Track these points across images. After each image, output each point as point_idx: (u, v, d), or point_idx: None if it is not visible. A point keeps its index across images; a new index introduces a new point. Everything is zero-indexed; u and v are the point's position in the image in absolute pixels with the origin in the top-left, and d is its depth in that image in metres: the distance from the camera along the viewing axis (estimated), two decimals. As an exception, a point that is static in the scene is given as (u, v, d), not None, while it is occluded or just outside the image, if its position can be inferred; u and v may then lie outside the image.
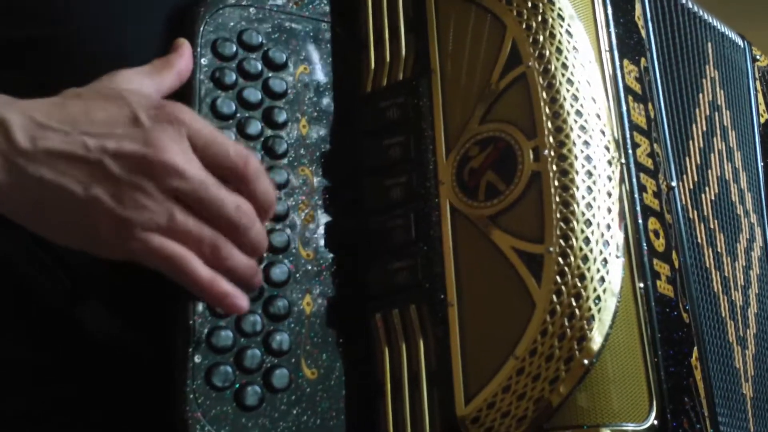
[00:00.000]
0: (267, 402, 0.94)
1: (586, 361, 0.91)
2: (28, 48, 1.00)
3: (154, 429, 0.95)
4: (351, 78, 1.08)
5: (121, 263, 0.92)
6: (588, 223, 0.94)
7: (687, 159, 1.20)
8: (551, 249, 0.93)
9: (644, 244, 0.98)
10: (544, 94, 0.98)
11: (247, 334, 0.95)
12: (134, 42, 1.02)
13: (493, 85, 1.00)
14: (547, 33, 1.00)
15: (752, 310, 1.28)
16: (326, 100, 1.08)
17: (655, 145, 1.06)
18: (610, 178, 0.97)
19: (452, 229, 0.98)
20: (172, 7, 1.04)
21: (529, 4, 1.01)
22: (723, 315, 1.18)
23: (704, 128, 1.28)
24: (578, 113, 0.98)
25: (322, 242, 1.03)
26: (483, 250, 0.96)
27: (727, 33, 1.41)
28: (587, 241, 0.94)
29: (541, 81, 0.98)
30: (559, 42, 1.00)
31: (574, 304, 0.92)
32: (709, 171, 1.26)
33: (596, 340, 0.91)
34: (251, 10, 1.05)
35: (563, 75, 0.99)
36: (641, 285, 0.96)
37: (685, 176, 1.18)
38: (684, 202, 1.15)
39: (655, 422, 0.92)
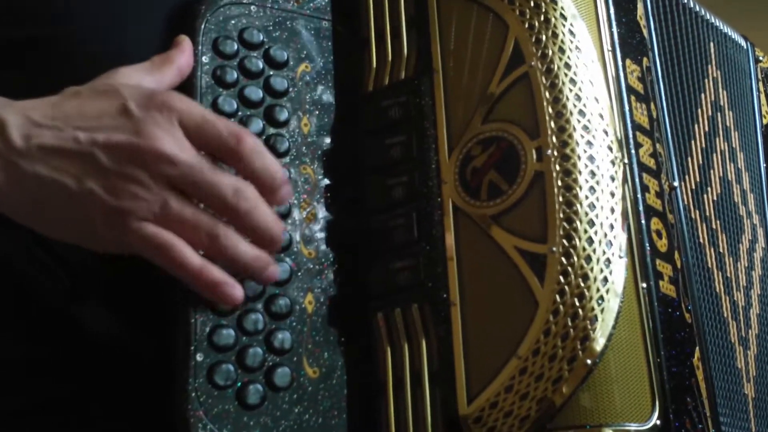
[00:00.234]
0: (269, 401, 0.94)
1: (589, 361, 0.91)
2: (28, 48, 1.00)
3: (154, 428, 0.95)
4: (353, 76, 1.08)
5: (120, 261, 0.92)
6: (591, 223, 0.94)
7: (689, 159, 1.20)
8: (554, 249, 0.93)
9: (647, 245, 0.98)
10: (547, 94, 0.98)
11: (249, 332, 0.95)
12: (134, 42, 1.02)
13: (496, 85, 1.00)
14: (550, 32, 1.00)
15: (754, 310, 1.28)
16: (328, 99, 1.08)
17: (657, 145, 1.06)
18: (612, 178, 0.97)
19: (455, 229, 0.98)
20: (173, 7, 1.04)
21: (532, 4, 1.01)
22: (725, 315, 1.18)
23: (706, 128, 1.28)
24: (581, 113, 0.98)
25: (324, 241, 1.02)
26: (485, 249, 0.96)
27: (730, 34, 1.41)
28: (590, 241, 0.93)
29: (543, 81, 0.98)
30: (562, 41, 1.00)
31: (577, 304, 0.92)
32: (712, 171, 1.26)
33: (599, 340, 0.91)
34: (252, 7, 1.05)
35: (566, 75, 0.99)
36: (644, 285, 0.95)
37: (687, 176, 1.18)
38: (686, 202, 1.15)
39: (658, 422, 0.92)
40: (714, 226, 1.22)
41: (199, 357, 0.92)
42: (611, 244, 0.94)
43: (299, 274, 1.00)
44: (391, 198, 1.02)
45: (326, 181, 1.05)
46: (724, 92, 1.35)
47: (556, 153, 0.96)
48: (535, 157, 0.97)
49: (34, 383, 1.03)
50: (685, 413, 0.95)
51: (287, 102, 1.04)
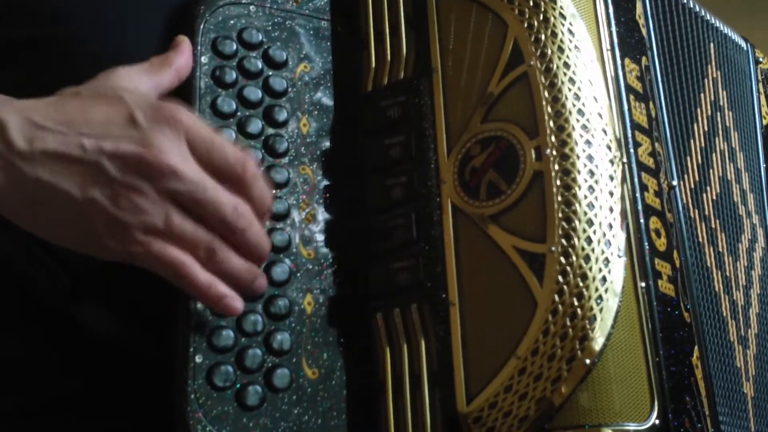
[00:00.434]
0: (268, 402, 0.94)
1: (587, 361, 0.90)
2: (28, 48, 1.00)
3: (154, 428, 0.95)
4: (352, 76, 1.08)
5: (119, 262, 0.92)
6: (590, 222, 0.94)
7: (688, 158, 1.20)
8: (553, 248, 0.93)
9: (646, 244, 0.98)
10: (546, 94, 0.98)
11: (248, 333, 0.95)
12: (134, 42, 1.02)
13: (495, 84, 1.00)
14: (549, 32, 1.00)
15: (754, 310, 1.28)
16: (327, 99, 1.08)
17: (656, 144, 1.06)
18: (611, 178, 0.97)
19: (454, 229, 0.98)
20: (172, 7, 1.04)
21: (531, 3, 1.01)
22: (724, 314, 1.18)
23: (706, 128, 1.28)
24: (580, 112, 0.98)
25: (323, 241, 1.02)
26: (485, 249, 0.96)
27: (730, 34, 1.41)
28: (589, 240, 0.93)
29: (542, 80, 0.98)
30: (561, 41, 1.00)
31: (576, 303, 0.92)
32: (711, 170, 1.26)
33: (598, 339, 0.91)
34: (251, 8, 1.05)
35: (565, 74, 0.98)
36: (643, 284, 0.95)
37: (686, 175, 1.18)
38: (685, 201, 1.15)
39: (657, 422, 0.92)
40: (713, 226, 1.22)
41: (198, 358, 0.92)
42: (610, 244, 0.94)
43: (298, 274, 1.00)
44: (390, 198, 1.02)
45: (325, 182, 1.05)
46: (724, 92, 1.35)
47: (555, 152, 0.96)
48: (534, 156, 0.96)
49: (34, 383, 1.03)
50: (684, 412, 0.95)
51: (286, 102, 1.04)
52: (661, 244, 1.00)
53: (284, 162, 1.02)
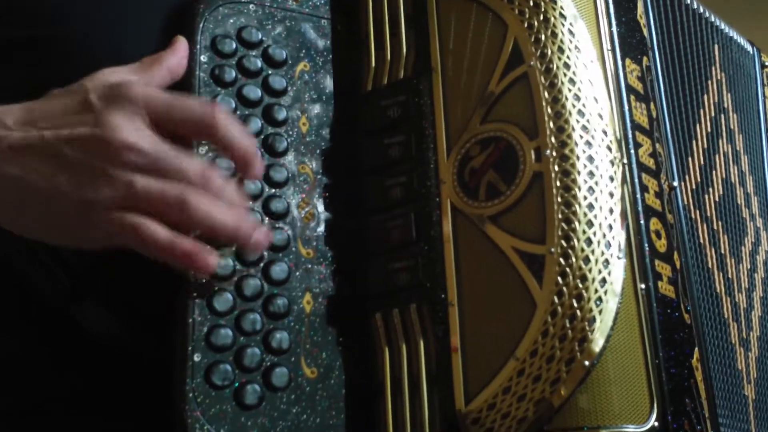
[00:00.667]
0: (266, 401, 0.94)
1: (587, 363, 0.90)
2: (28, 48, 1.00)
3: (154, 428, 0.95)
4: (351, 76, 1.08)
5: (120, 262, 0.92)
6: (590, 223, 0.94)
7: (690, 159, 1.20)
8: (553, 250, 0.93)
9: (646, 245, 0.97)
10: (546, 94, 0.97)
11: (247, 332, 0.95)
12: (134, 42, 1.02)
13: (495, 85, 1.00)
14: (549, 32, 1.00)
15: (756, 313, 1.28)
16: (326, 98, 1.08)
17: (657, 145, 1.06)
18: (612, 179, 0.96)
19: (453, 229, 0.98)
20: (172, 6, 1.04)
21: (531, 3, 1.01)
22: (725, 316, 1.18)
23: (709, 129, 1.27)
24: (580, 113, 0.97)
25: (322, 240, 1.02)
26: (484, 250, 0.96)
27: (735, 37, 1.41)
28: (589, 241, 0.93)
29: (542, 81, 0.98)
30: (561, 41, 0.99)
31: (575, 305, 0.91)
32: (714, 172, 1.26)
33: (597, 341, 0.91)
34: (251, 6, 1.05)
35: (565, 75, 0.98)
36: (642, 286, 0.95)
37: (687, 176, 1.18)
38: (686, 202, 1.15)
39: (656, 424, 0.91)
40: (715, 227, 1.22)
41: (196, 357, 0.92)
42: (610, 245, 0.94)
43: (297, 274, 1.00)
44: (389, 198, 1.02)
45: (325, 181, 1.04)
46: (729, 95, 1.35)
47: (554, 153, 0.96)
48: (533, 157, 0.96)
49: (34, 383, 1.03)
50: (683, 414, 0.94)
51: (286, 101, 1.04)
52: (661, 245, 1.00)
53: (284, 161, 1.02)
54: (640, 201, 0.99)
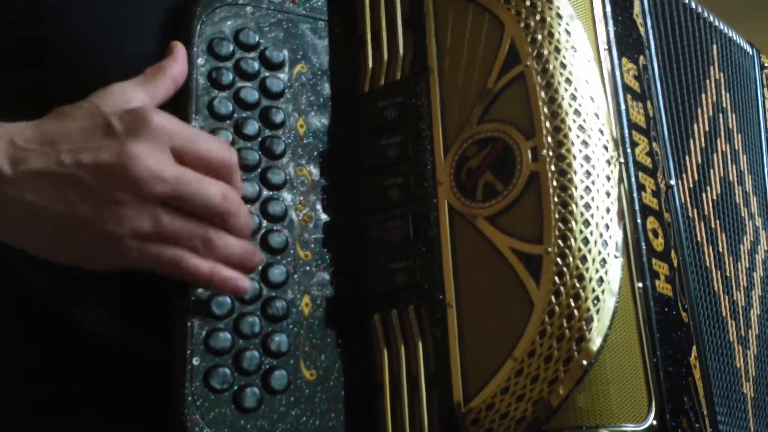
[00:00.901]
0: (266, 403, 0.94)
1: (584, 362, 0.90)
2: (28, 48, 1.00)
3: (154, 428, 0.95)
4: (349, 77, 1.08)
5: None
6: (587, 223, 0.94)
7: (687, 158, 1.20)
8: (550, 249, 0.93)
9: (643, 244, 0.97)
10: (543, 94, 0.98)
11: (246, 335, 0.95)
12: (134, 42, 1.02)
13: (491, 85, 1.00)
14: (546, 32, 1.00)
15: (755, 311, 1.28)
16: (324, 99, 1.07)
17: (653, 144, 1.06)
18: (608, 178, 0.96)
19: (450, 230, 0.98)
20: (172, 7, 1.04)
21: (528, 3, 1.01)
22: (723, 314, 1.18)
23: (707, 128, 1.27)
24: (577, 113, 0.97)
25: (320, 242, 1.02)
26: (481, 250, 0.96)
27: (734, 38, 1.41)
28: (586, 241, 0.93)
29: (539, 80, 0.98)
30: (558, 41, 0.99)
31: (572, 304, 0.92)
32: (711, 171, 1.26)
33: (595, 340, 0.91)
34: (248, 8, 1.05)
35: (562, 74, 0.98)
36: (640, 285, 0.95)
37: (684, 175, 1.18)
38: (683, 201, 1.15)
39: (654, 422, 0.92)
40: (713, 226, 1.22)
41: (195, 361, 0.92)
42: (607, 244, 0.94)
43: (296, 276, 1.00)
44: (387, 199, 1.02)
45: (322, 183, 1.04)
46: (728, 95, 1.35)
47: (551, 153, 0.96)
48: (530, 157, 0.96)
49: (34, 383, 1.04)
50: (681, 413, 0.95)
51: (283, 103, 1.04)
52: (658, 244, 1.00)
53: (281, 163, 1.02)
54: (636, 200, 0.99)
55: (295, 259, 1.00)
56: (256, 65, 1.04)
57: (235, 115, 1.01)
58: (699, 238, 1.17)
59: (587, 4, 1.03)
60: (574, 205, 0.94)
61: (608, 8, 1.05)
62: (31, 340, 1.04)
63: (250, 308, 0.96)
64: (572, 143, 0.96)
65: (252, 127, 1.01)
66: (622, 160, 0.98)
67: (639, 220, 0.98)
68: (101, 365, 1.01)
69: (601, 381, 0.91)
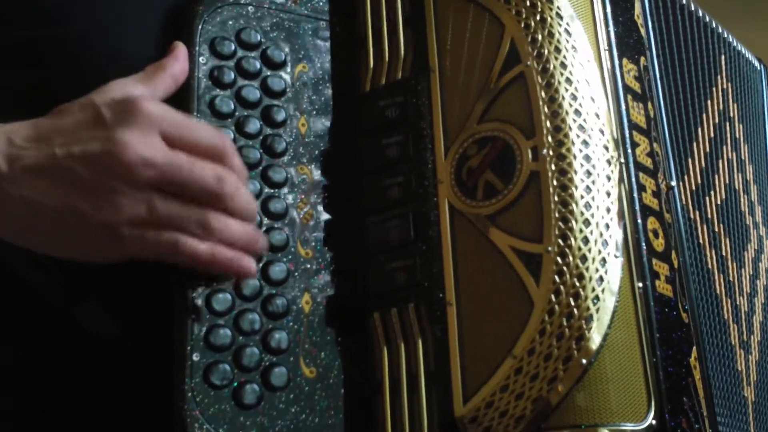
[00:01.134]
0: (265, 400, 0.94)
1: (584, 361, 0.90)
2: (28, 48, 1.00)
3: (153, 428, 0.95)
4: (350, 76, 1.08)
5: (119, 262, 0.92)
6: (587, 222, 0.94)
7: (690, 160, 1.20)
8: (550, 248, 0.93)
9: (643, 244, 0.97)
10: (543, 94, 0.98)
11: (246, 332, 0.95)
12: (134, 42, 1.02)
13: (492, 84, 1.00)
14: (546, 32, 1.00)
15: (758, 318, 1.27)
16: (325, 99, 1.08)
17: (654, 145, 1.06)
18: (609, 178, 0.96)
19: (451, 229, 0.98)
20: (172, 7, 1.04)
21: (528, 3, 1.01)
22: (725, 317, 1.18)
23: (712, 134, 1.28)
24: (577, 112, 0.98)
25: (321, 241, 1.02)
26: (482, 249, 0.96)
27: (743, 52, 1.41)
28: (586, 240, 0.93)
29: (539, 80, 0.98)
30: (558, 41, 1.00)
31: (572, 303, 0.92)
32: (716, 176, 1.26)
33: (595, 339, 0.91)
34: (250, 8, 1.05)
35: (562, 74, 0.98)
36: (640, 285, 0.95)
37: (686, 177, 1.18)
38: (684, 202, 1.15)
39: (653, 422, 0.91)
40: (716, 229, 1.22)
41: (195, 357, 0.92)
42: (607, 244, 0.94)
43: (296, 274, 1.00)
44: (387, 198, 1.02)
45: (323, 182, 1.05)
46: (735, 105, 1.36)
47: (551, 152, 0.96)
48: (530, 156, 0.96)
49: (33, 384, 1.04)
50: (681, 413, 0.94)
51: (285, 102, 1.05)
52: (658, 244, 1.00)
53: (282, 162, 1.02)
54: (637, 200, 0.99)
55: (296, 257, 1.00)
56: (258, 64, 1.04)
57: (237, 113, 1.01)
58: (701, 241, 1.17)
59: (587, 5, 1.04)
60: (574, 205, 0.94)
61: (609, 9, 1.05)
62: (31, 340, 1.04)
63: (251, 305, 0.96)
64: (572, 143, 0.96)
65: (253, 125, 1.02)
66: (622, 160, 0.98)
67: (639, 220, 0.98)
68: (101, 365, 1.01)
69: (601, 380, 0.91)
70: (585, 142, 0.97)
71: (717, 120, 1.30)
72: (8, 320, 1.05)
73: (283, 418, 0.95)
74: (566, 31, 1.00)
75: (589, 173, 0.96)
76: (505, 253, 0.95)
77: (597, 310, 0.92)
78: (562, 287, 0.92)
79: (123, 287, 0.99)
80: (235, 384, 0.93)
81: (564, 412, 0.90)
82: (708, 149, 1.26)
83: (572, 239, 0.93)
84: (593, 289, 0.92)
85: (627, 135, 1.01)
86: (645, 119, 1.05)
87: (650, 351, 0.94)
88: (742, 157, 1.35)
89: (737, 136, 1.35)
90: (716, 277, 1.18)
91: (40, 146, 0.88)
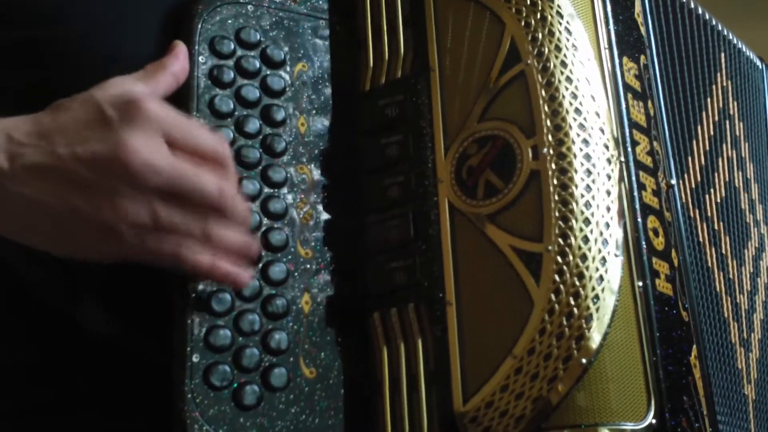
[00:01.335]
0: (265, 401, 0.94)
1: (584, 360, 0.90)
2: (28, 48, 1.00)
3: (153, 428, 0.95)
4: (350, 75, 1.08)
5: (119, 263, 0.92)
6: (587, 221, 0.94)
7: (689, 159, 1.20)
8: (550, 248, 0.93)
9: (643, 243, 0.97)
10: (543, 92, 0.98)
11: (246, 333, 0.95)
12: (134, 42, 1.02)
13: (492, 83, 1.00)
14: (546, 31, 1.00)
15: (758, 316, 1.27)
16: (325, 98, 1.08)
17: (654, 143, 1.06)
18: (609, 177, 0.96)
19: (451, 228, 0.98)
20: (172, 6, 1.04)
21: (528, 2, 1.01)
22: (725, 315, 1.18)
23: (711, 132, 1.27)
24: (577, 111, 0.97)
25: (320, 241, 1.02)
26: (482, 248, 0.96)
27: (744, 50, 1.41)
28: (586, 239, 0.93)
29: (539, 79, 0.98)
30: (558, 40, 1.00)
31: (572, 302, 0.91)
32: (716, 174, 1.26)
33: (595, 339, 0.91)
34: (249, 7, 1.05)
35: (562, 73, 0.98)
36: (640, 283, 0.95)
37: (686, 175, 1.18)
38: (684, 201, 1.15)
39: (653, 421, 0.91)
40: (716, 227, 1.22)
41: (195, 358, 0.92)
42: (607, 243, 0.94)
43: (296, 274, 1.00)
44: (387, 197, 1.02)
45: (323, 181, 1.05)
46: (735, 103, 1.36)
47: (552, 151, 0.96)
48: (530, 155, 0.96)
49: (33, 384, 1.04)
50: (681, 412, 0.94)
51: (284, 101, 1.04)
52: (658, 243, 1.00)
53: (282, 161, 1.02)
54: (637, 199, 0.99)
55: (296, 257, 1.00)
56: (257, 63, 1.04)
57: (236, 113, 1.01)
58: (701, 239, 1.17)
59: (588, 4, 1.04)
60: (574, 204, 0.94)
61: (609, 7, 1.05)
62: (31, 340, 1.04)
63: (250, 306, 0.96)
64: (573, 142, 0.96)
65: (253, 125, 1.02)
66: (622, 158, 0.98)
67: (639, 219, 0.98)
68: (101, 365, 1.01)
69: (601, 379, 0.91)
70: (585, 141, 0.97)
71: (717, 118, 1.30)
72: (8, 320, 1.05)
73: (283, 418, 0.95)
74: (566, 29, 1.00)
75: (589, 172, 0.96)
76: (505, 253, 0.95)
77: (597, 309, 0.91)
78: (562, 286, 0.92)
79: (123, 287, 0.99)
80: (235, 385, 0.93)
81: (564, 412, 0.90)
82: (708, 147, 1.26)
83: (572, 238, 0.93)
84: (593, 288, 0.92)
85: (627, 133, 1.01)
86: (645, 118, 1.05)
87: (650, 350, 0.93)
88: (743, 155, 1.35)
89: (737, 134, 1.35)
90: (716, 275, 1.18)
91: (41, 144, 0.88)
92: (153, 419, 0.95)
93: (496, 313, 0.94)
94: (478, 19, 1.03)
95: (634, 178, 0.99)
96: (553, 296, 0.92)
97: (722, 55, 1.35)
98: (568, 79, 0.98)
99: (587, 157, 0.96)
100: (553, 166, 0.95)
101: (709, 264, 1.17)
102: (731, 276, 1.22)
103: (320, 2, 1.10)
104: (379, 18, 1.08)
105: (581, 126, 0.97)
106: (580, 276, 0.92)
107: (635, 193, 0.99)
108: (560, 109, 0.97)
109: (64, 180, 0.87)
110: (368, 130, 1.05)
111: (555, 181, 0.95)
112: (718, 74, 1.33)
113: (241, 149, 0.99)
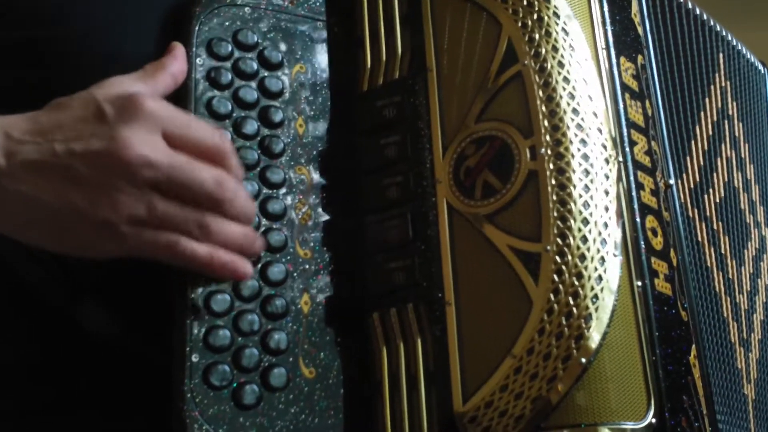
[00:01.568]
0: (265, 401, 0.94)
1: (583, 360, 0.90)
2: (28, 48, 1.00)
3: (153, 428, 0.95)
4: (347, 76, 1.08)
5: (119, 261, 0.92)
6: (585, 221, 0.94)
7: (688, 158, 1.20)
8: (548, 248, 0.93)
9: (642, 243, 0.97)
10: (541, 93, 0.98)
11: (245, 333, 0.95)
12: (134, 42, 1.02)
13: (489, 84, 1.00)
14: (543, 31, 1.00)
15: (758, 316, 1.27)
16: (323, 99, 1.08)
17: (652, 143, 1.06)
18: (607, 176, 0.96)
19: (449, 228, 0.98)
20: (172, 7, 1.04)
21: (525, 3, 1.01)
22: (725, 315, 1.18)
23: (710, 132, 1.28)
24: (575, 111, 0.98)
25: (319, 241, 1.02)
26: (480, 248, 0.96)
27: (744, 52, 1.41)
28: (584, 239, 0.93)
29: (537, 79, 0.98)
30: (555, 40, 1.00)
31: (571, 302, 0.91)
32: (715, 174, 1.26)
33: (594, 338, 0.91)
34: (246, 9, 1.05)
35: (559, 73, 0.98)
36: (639, 283, 0.95)
37: (685, 175, 1.18)
38: (683, 201, 1.15)
39: (653, 420, 0.91)
40: (715, 227, 1.22)
41: (194, 358, 0.92)
42: (605, 243, 0.94)
43: (295, 274, 1.00)
44: (386, 198, 1.02)
45: (322, 182, 1.05)
46: (734, 103, 1.36)
47: (549, 152, 0.96)
48: (528, 155, 0.96)
49: (34, 384, 1.04)
50: (681, 411, 0.94)
51: (282, 103, 1.05)
52: (657, 242, 1.00)
53: (281, 162, 1.02)
54: (635, 198, 0.99)
55: (295, 257, 1.00)
56: (255, 65, 1.04)
57: (234, 114, 1.01)
58: (700, 239, 1.17)
59: (585, 4, 1.04)
60: (572, 204, 0.94)
61: (606, 8, 1.05)
62: (32, 341, 1.04)
63: (250, 306, 0.96)
64: (571, 142, 0.96)
65: (251, 126, 1.02)
66: (620, 158, 0.98)
67: (638, 219, 0.98)
68: (102, 365, 1.01)
69: (600, 379, 0.91)
70: (583, 141, 0.97)
71: (715, 118, 1.30)
72: (8, 320, 1.05)
73: (283, 418, 0.95)
74: (563, 30, 1.00)
75: (587, 172, 0.96)
76: (504, 253, 0.95)
77: (596, 309, 0.92)
78: (561, 286, 0.92)
79: (123, 287, 1.00)
80: (235, 385, 0.93)
81: (564, 412, 0.90)
82: (706, 147, 1.26)
83: (571, 238, 0.93)
84: (592, 288, 0.92)
85: (625, 133, 1.01)
86: (643, 117, 1.05)
87: (649, 349, 0.93)
88: (742, 156, 1.35)
89: (736, 134, 1.35)
90: (715, 275, 1.18)
91: (39, 141, 0.88)
92: (153, 419, 0.95)
93: (495, 313, 0.94)
94: (475, 19, 1.03)
95: (632, 178, 0.99)
96: (552, 296, 0.92)
97: (720, 55, 1.35)
98: (566, 80, 0.98)
99: (585, 157, 0.96)
100: (551, 166, 0.95)
101: (708, 264, 1.17)
102: (731, 276, 1.22)
103: (317, 4, 1.10)
104: (377, 19, 1.08)
105: (579, 126, 0.97)
106: (579, 276, 0.92)
107: (633, 193, 0.99)
108: (558, 110, 0.97)
109: (61, 176, 0.87)
110: (366, 130, 1.05)
111: (553, 181, 0.95)
112: (717, 74, 1.33)
113: (239, 151, 0.99)
